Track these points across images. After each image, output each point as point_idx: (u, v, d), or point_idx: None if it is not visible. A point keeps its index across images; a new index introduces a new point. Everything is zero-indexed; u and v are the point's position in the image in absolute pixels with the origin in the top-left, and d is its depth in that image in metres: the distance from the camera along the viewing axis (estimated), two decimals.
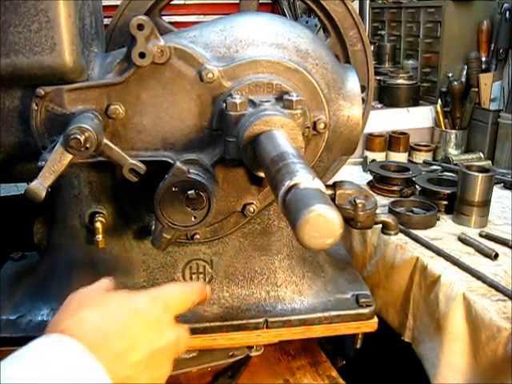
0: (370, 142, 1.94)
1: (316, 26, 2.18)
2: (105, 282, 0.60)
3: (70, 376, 0.44)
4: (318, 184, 0.51)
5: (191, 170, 0.74)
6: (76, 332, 0.47)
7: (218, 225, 0.86)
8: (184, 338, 0.58)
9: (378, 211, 0.91)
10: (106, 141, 0.70)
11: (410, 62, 2.31)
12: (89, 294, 0.55)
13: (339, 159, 0.95)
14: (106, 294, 0.56)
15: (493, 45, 2.00)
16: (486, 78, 1.93)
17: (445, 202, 1.47)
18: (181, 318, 0.86)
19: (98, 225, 0.84)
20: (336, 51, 0.98)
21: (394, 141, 1.93)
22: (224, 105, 0.74)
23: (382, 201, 1.53)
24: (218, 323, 0.88)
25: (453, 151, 1.97)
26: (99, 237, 0.84)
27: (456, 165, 1.79)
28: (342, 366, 1.05)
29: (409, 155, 1.96)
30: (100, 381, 0.46)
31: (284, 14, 2.59)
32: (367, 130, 1.81)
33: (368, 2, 2.34)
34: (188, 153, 0.78)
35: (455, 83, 1.94)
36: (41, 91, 0.72)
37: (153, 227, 0.83)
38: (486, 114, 1.92)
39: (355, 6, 2.18)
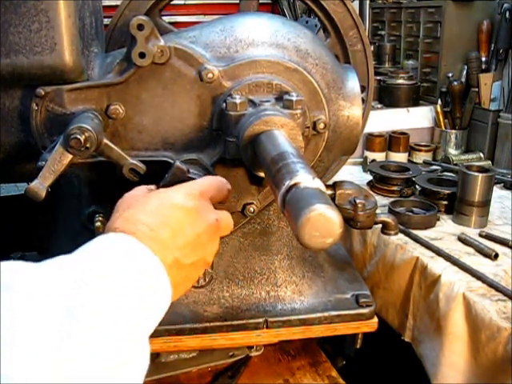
0: (370, 142, 1.94)
1: (316, 26, 2.18)
2: (145, 186, 0.66)
3: (128, 264, 0.51)
4: (318, 184, 0.51)
5: (191, 170, 0.74)
6: (126, 228, 0.55)
7: None
8: (224, 219, 0.65)
9: (378, 211, 0.91)
10: (106, 141, 0.70)
11: (410, 62, 2.31)
12: (132, 197, 0.62)
13: (339, 159, 0.95)
14: (147, 194, 0.62)
15: (493, 45, 2.00)
16: (485, 78, 1.93)
17: (445, 202, 1.47)
18: (181, 319, 0.87)
19: (98, 225, 0.84)
20: (336, 51, 0.98)
21: (394, 141, 1.93)
22: (224, 105, 0.74)
23: (382, 201, 1.53)
24: (217, 323, 0.88)
25: (453, 151, 1.97)
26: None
27: (456, 165, 1.79)
28: (342, 366, 1.06)
29: (409, 155, 1.96)
30: (153, 264, 0.53)
31: (284, 14, 2.59)
32: (367, 130, 1.81)
33: (368, 2, 2.34)
34: (188, 153, 0.78)
35: (455, 83, 1.94)
36: (41, 91, 0.72)
37: None
38: (486, 114, 1.92)
39: (355, 6, 2.18)
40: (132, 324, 0.48)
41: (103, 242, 0.53)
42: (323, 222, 0.47)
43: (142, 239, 0.54)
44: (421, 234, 1.33)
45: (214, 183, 0.67)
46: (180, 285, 0.59)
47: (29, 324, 0.41)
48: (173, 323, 0.85)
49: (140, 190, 0.64)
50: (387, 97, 2.12)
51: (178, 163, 0.73)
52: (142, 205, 0.59)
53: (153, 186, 0.67)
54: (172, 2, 0.97)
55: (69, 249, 0.91)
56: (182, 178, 0.71)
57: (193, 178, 0.71)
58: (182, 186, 0.63)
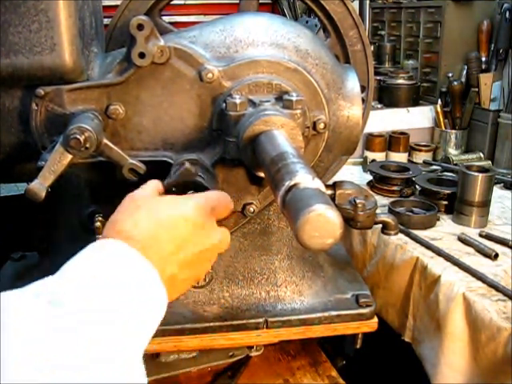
0: (370, 142, 1.93)
1: (316, 25, 2.18)
2: (155, 185, 0.65)
3: (124, 275, 0.50)
4: (317, 184, 0.51)
5: (200, 174, 0.74)
6: (132, 233, 0.54)
7: None
8: (226, 238, 0.65)
9: (377, 211, 0.91)
10: (105, 141, 0.71)
11: (410, 62, 2.31)
12: (143, 198, 0.60)
13: (339, 159, 0.95)
14: (158, 198, 0.61)
15: (493, 45, 2.00)
16: (485, 78, 1.93)
17: (445, 202, 1.47)
18: (181, 319, 0.87)
19: (98, 225, 0.84)
20: (336, 51, 0.98)
21: (394, 141, 1.93)
22: (224, 105, 0.74)
23: (382, 201, 1.53)
24: (217, 323, 0.88)
25: (453, 151, 1.97)
26: (99, 237, 0.84)
27: (456, 165, 1.79)
28: (342, 366, 1.05)
29: (409, 155, 1.96)
30: (152, 279, 0.52)
31: (284, 14, 2.59)
32: (367, 130, 1.81)
33: (368, 2, 2.34)
34: (188, 153, 0.78)
35: (455, 83, 1.94)
36: (41, 91, 0.72)
37: None
38: (486, 114, 1.92)
39: (355, 6, 2.18)
40: (126, 337, 0.47)
41: (103, 250, 0.53)
42: (323, 223, 0.47)
43: (144, 249, 0.53)
44: (421, 233, 1.33)
45: (222, 200, 0.65)
46: (168, 296, 0.58)
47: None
48: (173, 323, 0.85)
49: (150, 189, 0.63)
50: (387, 97, 2.12)
51: (188, 165, 0.73)
52: (152, 211, 0.57)
53: (160, 186, 0.66)
54: (172, 2, 0.97)
55: (68, 249, 0.91)
56: (190, 180, 0.71)
57: (199, 182, 0.71)
58: (193, 198, 0.61)
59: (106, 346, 0.44)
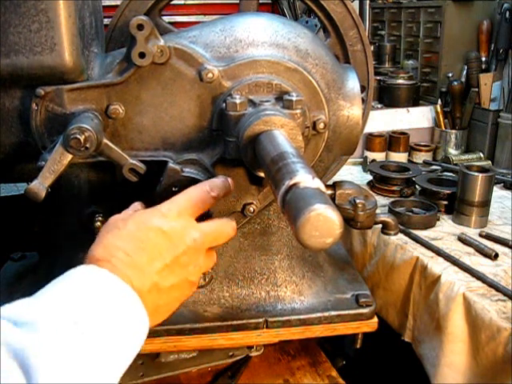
0: (370, 142, 1.94)
1: (316, 26, 2.18)
2: (134, 206, 0.67)
3: (98, 298, 0.51)
4: (317, 183, 0.51)
5: (185, 169, 0.74)
6: (102, 255, 0.56)
7: None
8: (211, 232, 0.64)
9: (377, 211, 0.91)
10: (105, 141, 0.71)
11: (410, 62, 2.31)
12: (113, 221, 0.62)
13: (339, 159, 0.95)
14: (126, 218, 0.62)
15: (493, 45, 2.00)
16: (485, 78, 1.93)
17: (445, 202, 1.47)
18: (181, 319, 0.87)
19: (98, 225, 0.84)
20: (336, 51, 0.98)
21: (394, 141, 1.93)
22: (224, 105, 0.74)
23: (382, 201, 1.53)
24: (217, 323, 0.88)
25: (453, 151, 1.97)
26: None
27: (456, 165, 1.79)
28: (342, 366, 1.05)
29: (409, 155, 1.96)
30: (125, 294, 0.53)
31: (284, 14, 2.59)
32: (367, 130, 1.81)
33: (368, 2, 2.34)
34: (188, 153, 0.78)
35: (455, 83, 1.94)
36: (41, 91, 0.72)
37: None
38: (486, 113, 1.92)
39: (355, 6, 2.18)
40: (105, 360, 0.48)
41: (74, 278, 0.53)
42: (323, 222, 0.47)
43: (117, 266, 0.54)
44: (421, 234, 1.33)
45: (194, 197, 0.64)
46: (162, 307, 0.59)
47: None
48: (173, 323, 0.85)
49: (124, 213, 0.64)
50: (387, 97, 2.12)
51: (170, 164, 0.73)
52: (119, 230, 0.59)
53: (139, 206, 0.67)
54: (172, 2, 0.97)
55: (68, 249, 0.91)
56: (178, 178, 0.71)
57: (188, 177, 0.71)
58: (159, 208, 0.61)
59: (84, 372, 0.46)
